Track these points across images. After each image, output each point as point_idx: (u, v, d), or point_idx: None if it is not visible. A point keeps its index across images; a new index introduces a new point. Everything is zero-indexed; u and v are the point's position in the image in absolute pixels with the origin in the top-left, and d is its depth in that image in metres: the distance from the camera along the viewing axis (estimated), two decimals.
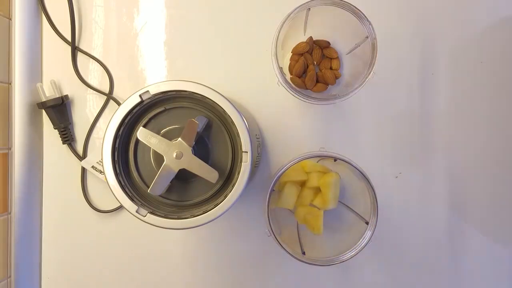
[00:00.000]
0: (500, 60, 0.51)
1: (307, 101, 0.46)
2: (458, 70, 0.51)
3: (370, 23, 0.43)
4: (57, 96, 0.50)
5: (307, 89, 0.49)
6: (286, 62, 0.50)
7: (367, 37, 0.44)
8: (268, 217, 0.43)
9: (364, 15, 0.43)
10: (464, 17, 0.51)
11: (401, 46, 0.51)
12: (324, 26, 0.49)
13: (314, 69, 0.49)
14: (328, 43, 0.49)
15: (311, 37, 0.49)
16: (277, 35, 0.44)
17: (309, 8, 0.45)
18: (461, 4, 0.51)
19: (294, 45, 0.49)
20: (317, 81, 0.49)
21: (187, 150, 0.36)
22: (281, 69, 0.45)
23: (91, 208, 0.51)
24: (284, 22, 0.44)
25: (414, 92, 0.51)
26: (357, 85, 0.43)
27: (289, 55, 0.50)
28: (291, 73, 0.49)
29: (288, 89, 0.45)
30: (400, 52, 0.51)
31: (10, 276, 0.49)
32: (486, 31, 0.51)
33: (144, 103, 0.38)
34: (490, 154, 0.51)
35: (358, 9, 0.43)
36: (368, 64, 0.43)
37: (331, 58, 0.49)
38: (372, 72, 0.43)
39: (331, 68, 0.49)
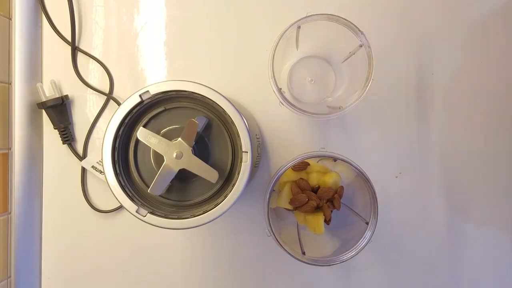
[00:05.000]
0: (500, 60, 0.51)
1: (311, 117, 0.45)
2: (456, 70, 0.51)
3: (362, 33, 0.43)
4: (57, 96, 0.50)
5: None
6: (282, 76, 0.50)
7: (361, 45, 0.44)
8: (268, 217, 0.43)
9: (355, 25, 0.43)
10: (461, 16, 0.51)
11: (397, 48, 0.51)
12: (317, 39, 0.49)
13: (314, 203, 0.47)
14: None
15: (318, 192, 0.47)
16: (272, 58, 0.44)
17: (299, 26, 0.45)
18: (453, 4, 0.51)
19: (287, 60, 0.49)
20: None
21: (187, 150, 0.36)
22: (280, 89, 0.45)
23: (91, 208, 0.51)
24: (277, 44, 0.43)
25: (413, 92, 0.51)
26: (357, 93, 0.43)
27: (285, 69, 0.49)
28: (291, 203, 0.48)
29: (291, 108, 0.44)
30: (396, 54, 0.51)
31: (10, 276, 0.49)
32: (485, 30, 0.51)
33: (144, 103, 0.38)
34: (490, 154, 0.51)
35: (348, 21, 0.43)
36: (366, 74, 0.43)
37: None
38: (371, 80, 0.42)
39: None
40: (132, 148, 0.40)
